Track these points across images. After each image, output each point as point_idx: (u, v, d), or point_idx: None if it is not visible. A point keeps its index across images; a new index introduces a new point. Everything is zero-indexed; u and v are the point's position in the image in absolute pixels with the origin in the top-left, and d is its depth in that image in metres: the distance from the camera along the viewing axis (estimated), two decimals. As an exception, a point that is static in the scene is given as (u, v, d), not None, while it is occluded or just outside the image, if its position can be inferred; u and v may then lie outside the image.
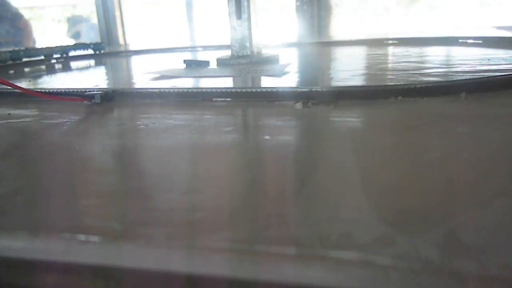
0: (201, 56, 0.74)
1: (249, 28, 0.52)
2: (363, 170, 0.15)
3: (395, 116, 0.23)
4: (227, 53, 0.57)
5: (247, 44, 0.53)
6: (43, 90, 0.33)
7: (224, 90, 0.30)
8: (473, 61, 0.42)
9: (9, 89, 0.30)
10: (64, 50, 0.74)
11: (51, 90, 0.33)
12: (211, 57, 0.56)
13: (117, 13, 1.20)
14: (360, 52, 0.61)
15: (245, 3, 0.51)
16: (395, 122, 0.22)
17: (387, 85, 0.28)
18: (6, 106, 0.32)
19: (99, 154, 0.19)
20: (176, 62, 0.65)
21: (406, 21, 1.42)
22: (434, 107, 0.24)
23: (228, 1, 0.52)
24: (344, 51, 0.65)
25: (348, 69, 0.44)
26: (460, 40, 0.64)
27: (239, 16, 0.52)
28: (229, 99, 0.30)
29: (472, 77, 0.28)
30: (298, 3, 1.25)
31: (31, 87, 0.42)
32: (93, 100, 0.30)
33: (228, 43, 0.54)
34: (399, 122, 0.22)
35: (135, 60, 0.73)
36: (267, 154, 0.18)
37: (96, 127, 0.25)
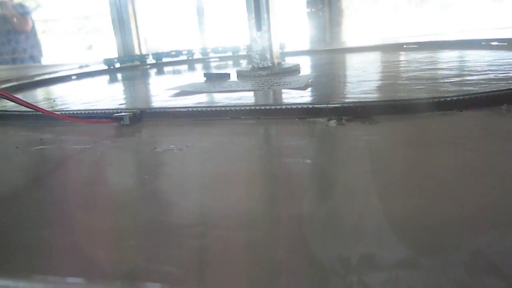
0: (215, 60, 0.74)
1: (270, 40, 0.52)
2: (425, 203, 0.14)
3: (439, 134, 0.22)
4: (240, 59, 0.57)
5: (268, 56, 0.53)
6: (71, 113, 0.33)
7: (252, 107, 0.30)
8: (504, 66, 0.41)
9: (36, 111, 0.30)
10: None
11: (78, 112, 0.33)
12: (224, 56, 0.55)
13: (132, 25, 1.21)
14: (380, 59, 0.60)
15: (265, 15, 0.51)
16: (441, 141, 0.21)
17: (423, 98, 0.27)
18: (37, 129, 0.32)
19: (140, 187, 0.19)
20: (195, 74, 0.65)
21: (418, 21, 1.39)
22: (476, 121, 0.23)
23: (248, 13, 0.52)
24: (363, 58, 0.64)
25: (373, 78, 0.43)
26: (483, 43, 0.62)
27: (259, 28, 0.51)
28: (259, 117, 0.29)
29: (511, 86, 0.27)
30: (309, 9, 1.25)
31: (57, 107, 0.42)
32: (122, 122, 0.30)
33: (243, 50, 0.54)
34: (445, 141, 0.21)
35: (152, 72, 0.73)
36: (312, 184, 0.17)
37: (130, 153, 0.24)
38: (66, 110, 0.36)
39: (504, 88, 0.26)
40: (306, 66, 0.59)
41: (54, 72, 0.87)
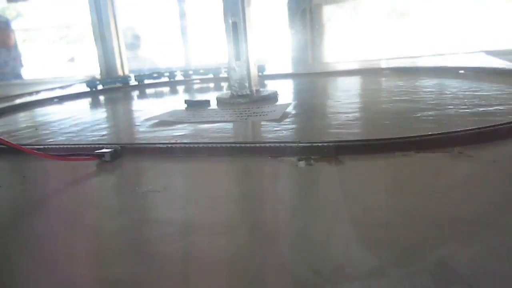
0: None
1: (248, 69, 0.54)
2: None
3: (393, 177, 0.24)
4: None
5: (246, 84, 0.55)
6: (54, 147, 0.34)
7: (228, 145, 0.32)
8: (465, 100, 0.44)
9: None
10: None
11: (61, 147, 0.34)
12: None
13: (115, 44, 1.22)
14: (355, 86, 0.63)
15: (244, 45, 0.53)
16: (392, 184, 0.23)
17: (384, 139, 0.29)
18: (20, 163, 0.33)
19: (118, 234, 0.20)
20: (177, 98, 0.66)
21: (396, 36, 1.45)
22: (429, 164, 0.26)
23: (227, 43, 0.54)
24: (340, 84, 0.67)
25: (345, 110, 0.45)
26: (452, 71, 0.66)
27: (238, 58, 0.54)
28: (233, 154, 0.31)
29: (465, 128, 0.30)
30: (291, 30, 1.28)
31: (40, 138, 0.43)
32: (103, 158, 0.31)
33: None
34: (396, 184, 0.23)
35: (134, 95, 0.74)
36: (286, 230, 0.19)
37: (109, 195, 0.26)
38: (49, 144, 0.37)
39: (456, 130, 0.29)
40: (284, 93, 0.62)
41: (36, 92, 0.87)
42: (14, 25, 2.26)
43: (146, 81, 0.86)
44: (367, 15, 1.44)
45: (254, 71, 0.55)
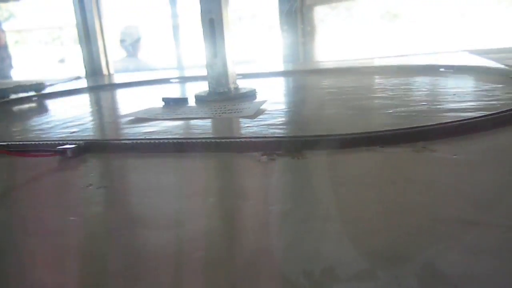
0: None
1: (225, 66, 0.53)
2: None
3: (354, 171, 0.24)
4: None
5: (223, 81, 0.54)
6: (12, 143, 0.34)
7: (194, 141, 0.31)
8: (440, 96, 0.44)
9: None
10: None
11: (22, 143, 0.33)
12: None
13: (100, 43, 1.21)
14: (335, 84, 0.62)
15: (221, 42, 0.53)
16: (352, 178, 0.23)
17: (349, 134, 0.29)
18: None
19: (66, 231, 0.20)
20: (156, 95, 0.66)
21: (388, 36, 1.45)
22: (392, 159, 0.25)
23: (204, 40, 0.53)
24: (324, 82, 0.66)
25: (321, 107, 0.45)
26: (433, 70, 0.66)
27: (214, 55, 0.53)
28: (199, 150, 0.31)
29: (430, 123, 0.29)
30: (283, 28, 1.27)
31: (4, 135, 0.42)
32: (65, 155, 0.30)
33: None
34: (355, 178, 0.23)
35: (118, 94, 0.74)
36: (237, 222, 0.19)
37: (63, 191, 0.25)
38: (12, 141, 0.36)
39: (422, 125, 0.29)
40: (264, 91, 0.61)
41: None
42: (5, 27, 2.24)
43: (131, 79, 0.85)
44: (358, 17, 1.44)
45: (231, 69, 0.55)
